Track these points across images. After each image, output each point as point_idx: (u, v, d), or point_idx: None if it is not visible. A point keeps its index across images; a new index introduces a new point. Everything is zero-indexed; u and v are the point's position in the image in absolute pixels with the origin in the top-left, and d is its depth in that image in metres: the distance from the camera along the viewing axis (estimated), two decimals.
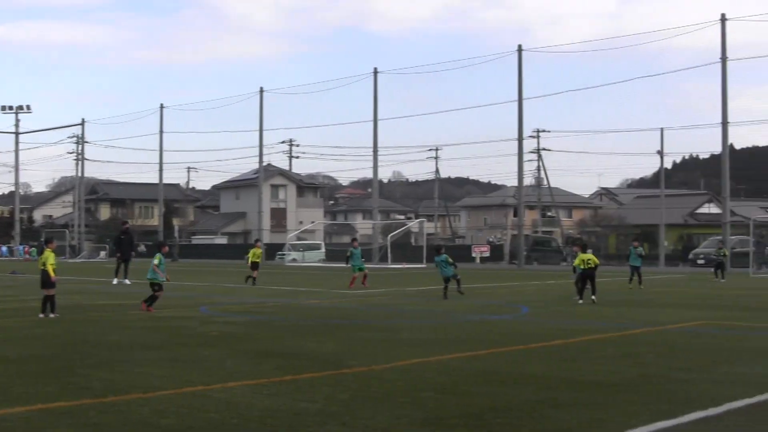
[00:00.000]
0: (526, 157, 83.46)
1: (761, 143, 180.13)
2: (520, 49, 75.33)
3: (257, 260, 40.00)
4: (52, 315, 22.36)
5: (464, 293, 30.55)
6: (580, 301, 27.79)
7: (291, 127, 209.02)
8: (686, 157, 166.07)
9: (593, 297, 27.72)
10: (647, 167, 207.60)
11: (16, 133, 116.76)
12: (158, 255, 24.91)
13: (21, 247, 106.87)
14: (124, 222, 48.38)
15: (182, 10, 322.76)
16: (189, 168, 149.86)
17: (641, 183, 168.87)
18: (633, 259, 38.44)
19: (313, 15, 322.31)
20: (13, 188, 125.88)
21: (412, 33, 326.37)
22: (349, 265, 38.69)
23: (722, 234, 67.09)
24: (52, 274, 22.39)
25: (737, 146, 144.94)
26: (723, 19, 66.38)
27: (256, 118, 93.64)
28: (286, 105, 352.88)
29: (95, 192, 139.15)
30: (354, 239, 43.68)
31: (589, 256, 28.47)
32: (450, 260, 30.68)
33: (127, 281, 39.50)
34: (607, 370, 13.57)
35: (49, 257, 22.66)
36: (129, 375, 13.16)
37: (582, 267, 28.19)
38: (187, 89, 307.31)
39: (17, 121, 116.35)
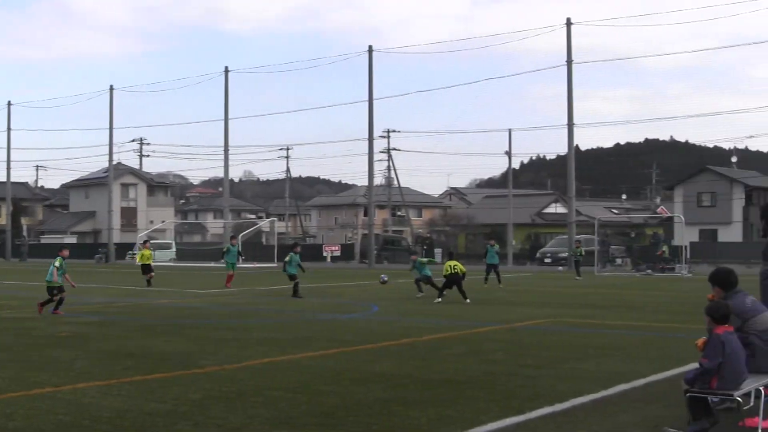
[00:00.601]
0: (376, 156, 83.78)
1: (605, 145, 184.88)
2: (370, 50, 75.63)
3: (148, 262, 39.20)
4: None
5: (302, 297, 30.42)
6: (439, 300, 28.12)
7: (142, 126, 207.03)
8: (533, 158, 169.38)
9: (467, 300, 28.22)
10: (496, 167, 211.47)
11: None
12: (59, 258, 24.11)
13: None
14: None
15: (30, 6, 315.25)
16: (38, 166, 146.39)
17: (490, 183, 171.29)
18: (490, 258, 38.89)
19: (165, 13, 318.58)
20: None
21: (264, 33, 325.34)
22: (227, 262, 38.05)
23: (568, 233, 68.46)
24: None
25: (582, 147, 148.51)
26: (568, 23, 67.77)
27: (107, 116, 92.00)
28: (136, 103, 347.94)
29: None
30: (233, 236, 43.27)
31: (455, 262, 29.43)
32: (299, 261, 30.90)
33: None
34: (456, 368, 13.73)
35: None
36: None
37: (450, 272, 28.81)
38: (36, 86, 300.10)
39: None
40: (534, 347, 16.61)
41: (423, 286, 30.63)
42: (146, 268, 38.45)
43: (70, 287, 24.28)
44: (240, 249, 39.52)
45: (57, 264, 23.86)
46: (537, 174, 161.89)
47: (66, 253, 24.70)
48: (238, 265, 37.94)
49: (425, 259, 32.44)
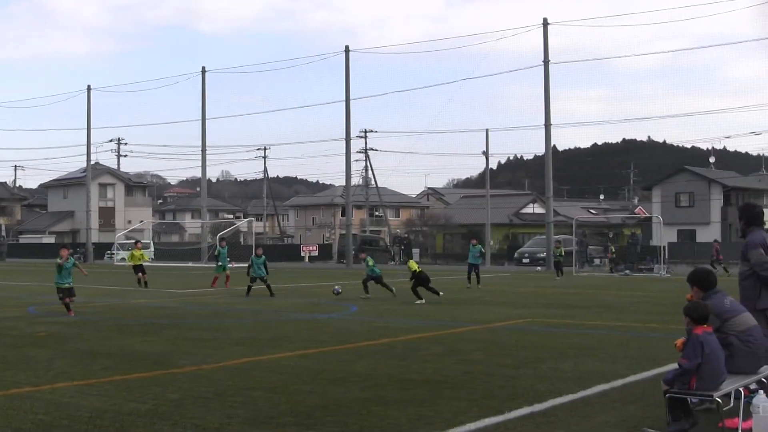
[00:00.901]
0: (353, 157, 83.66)
1: (583, 145, 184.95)
2: (347, 50, 75.54)
3: (138, 262, 38.33)
4: None
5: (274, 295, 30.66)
6: (423, 301, 28.02)
7: (119, 126, 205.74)
8: (511, 158, 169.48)
9: (441, 293, 28.79)
10: (473, 168, 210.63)
11: None
12: (58, 258, 23.91)
13: None
14: None
15: (7, 6, 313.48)
16: (16, 166, 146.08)
17: (467, 183, 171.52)
18: (473, 258, 38.51)
19: (140, 13, 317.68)
20: None
21: (240, 33, 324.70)
22: (217, 264, 37.99)
23: (546, 233, 68.57)
24: None
25: (560, 147, 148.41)
26: (545, 23, 67.94)
27: (84, 116, 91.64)
28: (114, 103, 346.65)
29: None
30: (222, 239, 43.10)
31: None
32: (260, 263, 31.29)
33: None
34: (434, 368, 13.70)
35: None
36: None
37: (419, 270, 29.10)
38: (13, 86, 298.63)
39: None
40: (512, 347, 16.60)
41: (371, 285, 30.76)
42: (138, 269, 37.96)
43: (83, 278, 24.02)
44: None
45: (58, 261, 23.65)
46: (514, 174, 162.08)
47: (64, 252, 24.12)
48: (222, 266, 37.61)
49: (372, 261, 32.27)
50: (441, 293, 28.36)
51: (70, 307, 23.36)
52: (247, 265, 32.87)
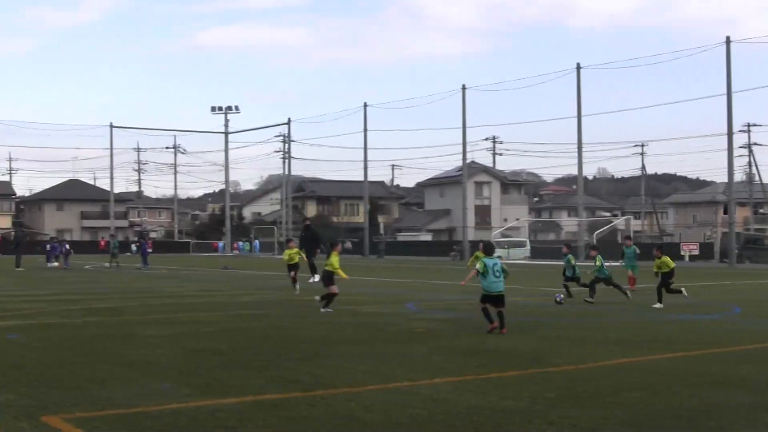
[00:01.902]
0: (736, 152, 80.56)
1: None
2: (728, 41, 72.66)
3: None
4: (322, 310, 23.20)
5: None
6: (661, 305, 26.02)
7: (494, 124, 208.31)
8: None
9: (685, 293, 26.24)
10: None
11: (226, 133, 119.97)
12: (478, 256, 20.95)
13: (257, 243, 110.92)
14: (305, 218, 47.73)
15: (381, 11, 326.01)
16: (393, 165, 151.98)
17: None
18: None
19: (512, 11, 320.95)
20: (223, 186, 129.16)
21: (612, 27, 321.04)
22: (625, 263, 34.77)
23: None
24: (342, 274, 23.57)
25: None
26: None
27: (459, 115, 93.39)
28: (488, 102, 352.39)
29: (302, 189, 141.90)
30: (627, 237, 40.85)
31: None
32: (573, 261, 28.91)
33: (315, 278, 37.60)
34: None
35: (334, 259, 23.50)
36: (336, 369, 13.25)
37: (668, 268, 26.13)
38: (389, 88, 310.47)
39: (226, 121, 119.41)
40: None
41: (597, 287, 27.89)
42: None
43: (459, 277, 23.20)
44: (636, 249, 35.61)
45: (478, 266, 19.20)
46: None
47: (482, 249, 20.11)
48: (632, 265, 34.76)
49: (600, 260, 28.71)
50: (685, 293, 26.05)
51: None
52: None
